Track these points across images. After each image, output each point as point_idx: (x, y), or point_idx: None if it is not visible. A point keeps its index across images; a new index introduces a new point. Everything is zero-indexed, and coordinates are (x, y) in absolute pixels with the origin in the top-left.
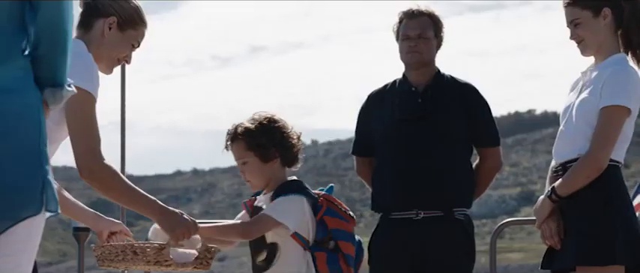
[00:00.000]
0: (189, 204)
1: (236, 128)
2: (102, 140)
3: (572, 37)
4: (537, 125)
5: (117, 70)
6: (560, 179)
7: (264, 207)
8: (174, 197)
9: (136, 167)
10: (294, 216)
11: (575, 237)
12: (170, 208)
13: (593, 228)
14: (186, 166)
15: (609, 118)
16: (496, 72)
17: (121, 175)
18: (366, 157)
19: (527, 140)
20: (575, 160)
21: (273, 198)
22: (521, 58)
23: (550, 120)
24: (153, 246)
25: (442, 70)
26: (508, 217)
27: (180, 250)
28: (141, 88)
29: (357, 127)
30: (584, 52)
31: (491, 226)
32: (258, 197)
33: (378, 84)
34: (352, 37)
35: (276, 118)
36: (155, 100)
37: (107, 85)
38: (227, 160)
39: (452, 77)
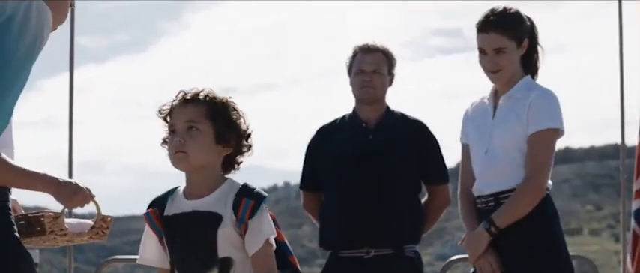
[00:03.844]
0: None
1: (200, 91)
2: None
3: (489, 65)
4: None
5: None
6: (497, 211)
7: (217, 212)
8: None
9: (108, 208)
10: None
11: (520, 267)
12: (62, 178)
13: (538, 258)
14: None
15: (543, 143)
16: None
17: (6, 156)
18: (314, 193)
19: None
20: (511, 190)
21: (236, 203)
22: None
23: None
24: (47, 214)
25: (392, 107)
26: None
27: (76, 220)
28: (111, 127)
29: (304, 162)
30: (498, 80)
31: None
32: (171, 205)
33: None
34: (321, 80)
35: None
36: (125, 141)
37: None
38: None
39: (402, 114)
